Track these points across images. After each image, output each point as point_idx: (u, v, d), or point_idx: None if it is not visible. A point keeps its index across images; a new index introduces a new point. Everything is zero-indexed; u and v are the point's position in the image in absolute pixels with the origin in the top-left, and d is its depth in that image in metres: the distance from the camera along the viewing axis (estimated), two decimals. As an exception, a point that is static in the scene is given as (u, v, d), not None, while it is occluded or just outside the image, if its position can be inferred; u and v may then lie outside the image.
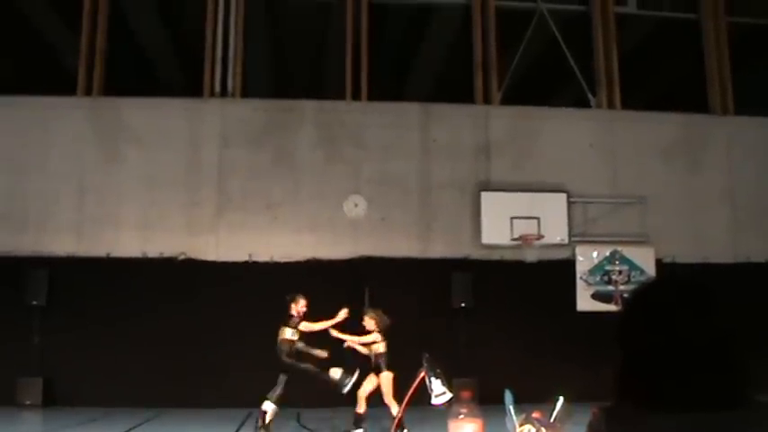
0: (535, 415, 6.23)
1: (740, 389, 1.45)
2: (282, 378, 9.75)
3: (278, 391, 9.71)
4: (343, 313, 9.90)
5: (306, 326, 9.86)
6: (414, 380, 7.88)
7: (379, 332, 9.80)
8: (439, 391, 7.97)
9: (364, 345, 9.86)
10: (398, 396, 9.53)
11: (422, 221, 14.65)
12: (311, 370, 9.78)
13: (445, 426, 7.07)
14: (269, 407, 9.69)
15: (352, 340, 9.99)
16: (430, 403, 8.13)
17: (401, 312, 10.50)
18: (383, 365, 9.78)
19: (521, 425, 6.18)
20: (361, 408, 9.82)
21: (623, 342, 1.54)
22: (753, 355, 1.50)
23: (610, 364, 1.56)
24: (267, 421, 9.72)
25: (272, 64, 18.48)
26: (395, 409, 9.72)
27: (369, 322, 9.91)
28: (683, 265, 14.35)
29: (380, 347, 9.86)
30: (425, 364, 7.91)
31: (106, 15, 15.07)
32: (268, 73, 18.53)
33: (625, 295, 14.47)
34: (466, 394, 7.22)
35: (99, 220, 14.06)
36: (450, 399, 7.96)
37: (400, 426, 9.60)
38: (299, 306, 9.84)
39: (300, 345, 9.85)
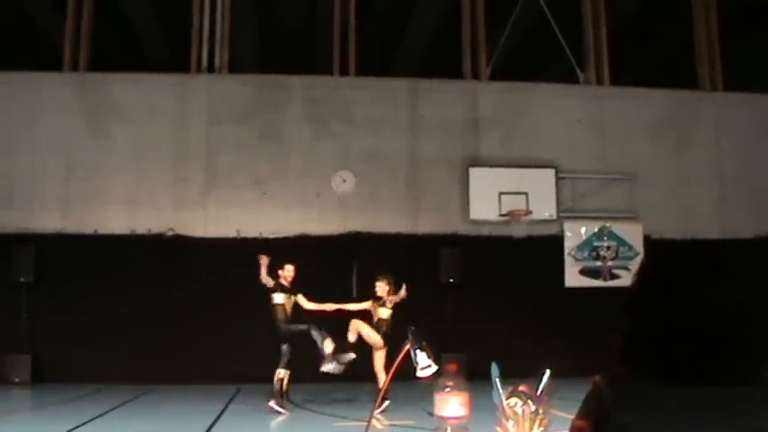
0: (522, 388, 6.22)
1: (756, 365, 1.37)
2: (285, 349, 9.83)
3: (284, 361, 9.80)
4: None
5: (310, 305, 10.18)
6: (399, 353, 7.89)
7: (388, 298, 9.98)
8: (424, 364, 7.94)
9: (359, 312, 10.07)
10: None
11: (410, 197, 14.64)
12: (304, 330, 9.83)
13: (431, 399, 7.10)
14: (284, 373, 9.77)
15: (347, 307, 10.22)
16: (415, 376, 8.13)
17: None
18: (381, 332, 9.85)
19: (507, 398, 6.18)
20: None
21: (637, 309, 1.45)
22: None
23: (601, 337, 1.51)
24: (285, 387, 9.79)
25: (259, 39, 18.34)
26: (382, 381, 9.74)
27: (382, 288, 10.00)
28: (670, 241, 14.43)
29: (383, 313, 9.92)
30: (410, 337, 7.88)
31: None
32: (256, 48, 18.39)
33: (613, 270, 14.54)
34: (452, 367, 7.23)
35: (86, 197, 13.99)
36: (436, 371, 7.96)
37: (383, 398, 9.62)
38: (285, 272, 10.01)
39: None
